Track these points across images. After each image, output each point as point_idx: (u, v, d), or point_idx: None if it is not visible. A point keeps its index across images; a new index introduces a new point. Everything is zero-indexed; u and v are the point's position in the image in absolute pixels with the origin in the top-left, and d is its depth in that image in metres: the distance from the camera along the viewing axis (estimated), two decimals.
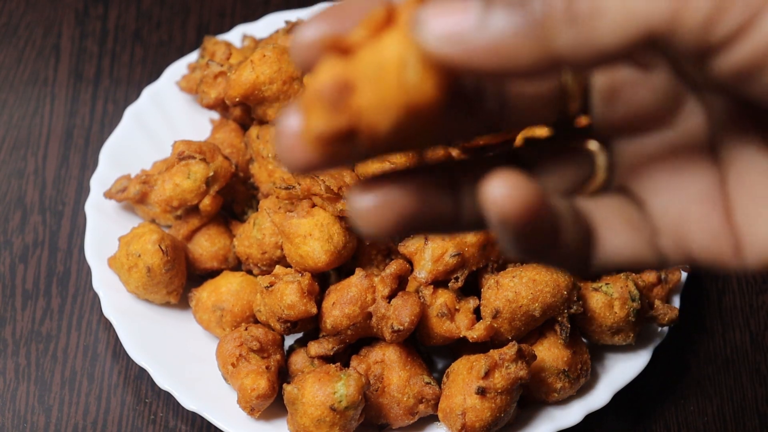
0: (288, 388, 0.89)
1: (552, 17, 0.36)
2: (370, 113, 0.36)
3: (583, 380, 0.96)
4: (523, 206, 0.37)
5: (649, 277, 1.00)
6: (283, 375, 0.95)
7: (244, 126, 1.09)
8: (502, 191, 0.37)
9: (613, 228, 0.43)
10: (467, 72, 0.37)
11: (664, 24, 0.35)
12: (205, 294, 0.99)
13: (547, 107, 0.44)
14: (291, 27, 1.08)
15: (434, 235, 0.40)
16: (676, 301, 1.02)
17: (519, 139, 0.45)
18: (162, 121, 1.12)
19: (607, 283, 0.98)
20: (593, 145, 0.44)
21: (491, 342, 0.94)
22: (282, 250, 0.98)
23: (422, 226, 0.41)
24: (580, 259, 0.42)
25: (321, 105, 0.36)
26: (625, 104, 0.43)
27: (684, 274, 1.03)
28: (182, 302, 1.01)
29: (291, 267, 0.97)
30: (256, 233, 1.00)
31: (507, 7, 0.36)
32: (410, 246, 0.95)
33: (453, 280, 0.95)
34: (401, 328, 0.90)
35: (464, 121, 0.42)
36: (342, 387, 0.87)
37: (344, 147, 0.37)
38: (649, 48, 0.36)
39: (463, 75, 0.37)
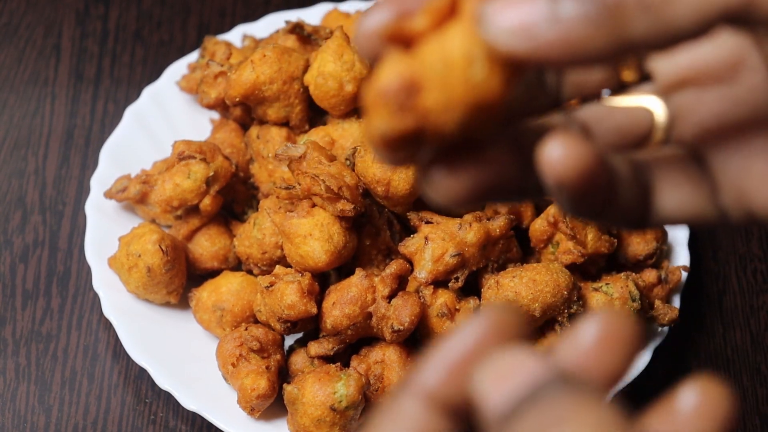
0: (288, 388, 0.90)
1: (624, 4, 0.35)
2: (437, 113, 0.36)
3: None
4: (578, 168, 0.37)
5: (650, 277, 1.00)
6: (283, 375, 0.95)
7: (244, 126, 1.09)
8: (557, 153, 0.37)
9: (672, 184, 0.43)
10: (537, 65, 0.36)
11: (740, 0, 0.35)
12: (206, 294, 0.99)
13: (604, 76, 0.44)
14: (291, 27, 1.08)
15: (504, 203, 0.41)
16: (677, 301, 1.02)
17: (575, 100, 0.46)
18: (162, 121, 1.12)
19: (607, 283, 0.98)
20: (651, 102, 0.44)
21: None
22: (282, 250, 0.98)
23: (494, 195, 0.41)
24: (638, 215, 0.43)
25: (387, 106, 0.36)
26: (685, 60, 0.43)
27: (684, 274, 1.03)
28: (182, 302, 1.01)
29: (291, 267, 0.97)
30: (256, 233, 1.00)
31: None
32: (410, 246, 0.95)
33: (453, 280, 0.95)
34: (401, 328, 0.90)
35: (526, 104, 0.42)
36: (342, 387, 0.87)
37: (410, 146, 0.37)
38: (725, 23, 0.36)
39: (531, 68, 0.36)
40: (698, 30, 0.35)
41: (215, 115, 1.12)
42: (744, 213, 0.43)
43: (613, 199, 0.41)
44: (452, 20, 0.37)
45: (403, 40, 0.37)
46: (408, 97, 0.35)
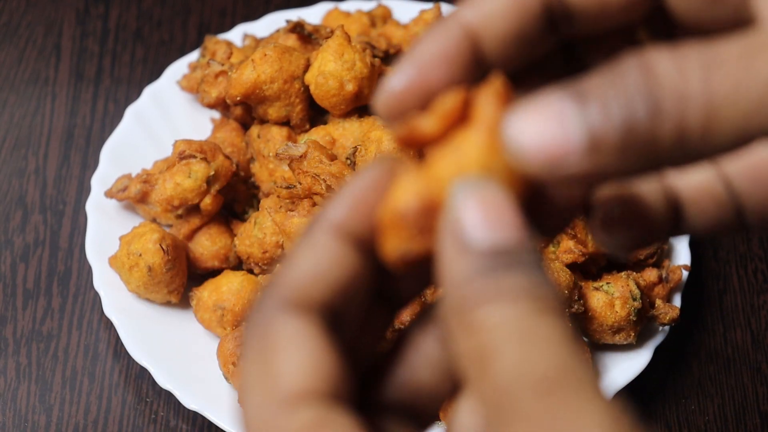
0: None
1: (660, 137, 0.35)
2: None
3: None
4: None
5: (650, 276, 1.00)
6: None
7: (245, 125, 1.10)
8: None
9: (700, 206, 0.46)
10: (561, 181, 0.36)
11: None
12: (206, 293, 0.99)
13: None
14: (292, 26, 1.08)
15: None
16: (677, 301, 1.02)
17: None
18: (163, 121, 1.12)
19: (608, 282, 0.98)
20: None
21: None
22: (283, 249, 0.99)
23: (650, 241, 0.46)
24: (667, 235, 0.46)
25: (405, 229, 0.36)
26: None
27: (685, 274, 1.03)
28: (183, 301, 1.01)
29: None
30: (257, 232, 1.00)
31: (604, 108, 0.35)
32: None
33: None
34: (402, 327, 0.90)
35: (531, 53, 0.44)
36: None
37: (426, 263, 0.37)
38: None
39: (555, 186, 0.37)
40: (735, 148, 0.35)
41: (216, 115, 1.12)
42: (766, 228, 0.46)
43: (649, 235, 0.45)
44: (465, 126, 0.37)
45: (415, 143, 0.37)
46: (426, 220, 0.36)
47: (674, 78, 0.34)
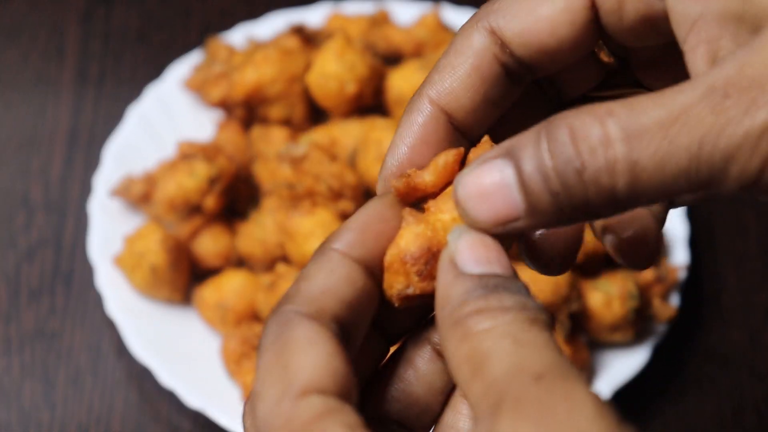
0: None
1: (595, 203, 0.38)
2: None
3: None
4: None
5: (648, 275, 1.01)
6: None
7: (246, 126, 1.10)
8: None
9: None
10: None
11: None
12: (209, 292, 1.00)
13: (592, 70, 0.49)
14: (294, 29, 1.09)
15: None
16: (675, 299, 1.03)
17: None
18: (165, 121, 1.13)
19: (606, 282, 0.98)
20: None
21: None
22: (284, 248, 0.99)
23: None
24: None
25: (408, 273, 0.43)
26: None
27: (683, 273, 1.04)
28: (186, 300, 1.02)
29: (293, 265, 0.97)
30: (258, 232, 1.01)
31: (541, 182, 0.38)
32: None
33: None
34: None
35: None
36: None
37: (424, 302, 0.43)
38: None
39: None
40: (663, 200, 0.39)
41: (218, 115, 1.13)
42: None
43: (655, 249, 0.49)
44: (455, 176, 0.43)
45: (413, 195, 0.44)
46: (427, 264, 0.42)
47: (600, 146, 0.37)
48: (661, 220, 0.51)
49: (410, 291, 0.43)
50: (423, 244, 0.42)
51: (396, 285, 0.43)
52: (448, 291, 0.39)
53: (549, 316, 0.38)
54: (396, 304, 0.44)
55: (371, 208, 0.44)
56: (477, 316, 0.38)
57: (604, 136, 0.37)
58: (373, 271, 0.43)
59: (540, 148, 0.38)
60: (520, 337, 0.36)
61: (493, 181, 0.39)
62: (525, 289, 0.39)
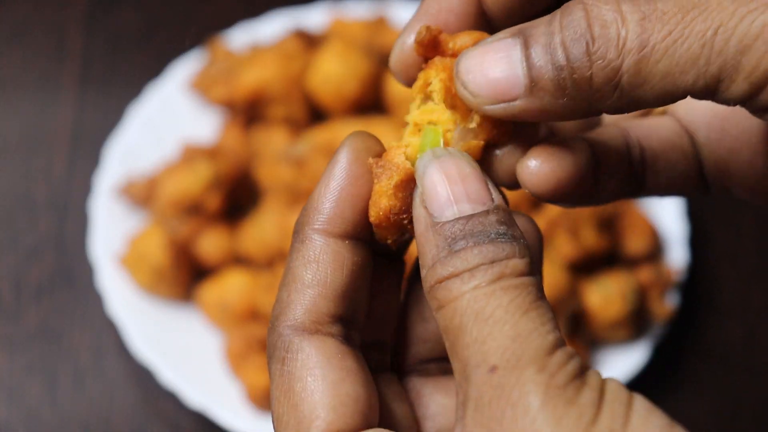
0: None
1: (598, 84, 0.37)
2: None
3: None
4: (550, 182, 0.43)
5: (647, 274, 1.02)
6: None
7: (248, 126, 1.10)
8: (530, 170, 0.42)
9: (668, 159, 0.47)
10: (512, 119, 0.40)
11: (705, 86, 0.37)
12: (210, 291, 1.00)
13: None
14: (295, 33, 1.09)
15: (576, 204, 0.45)
16: (673, 299, 1.03)
17: None
18: (167, 121, 1.13)
19: (605, 281, 0.99)
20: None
21: None
22: (284, 248, 1.00)
23: (572, 192, 0.44)
24: (626, 193, 0.47)
25: (397, 223, 0.42)
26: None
27: (681, 272, 1.04)
28: (188, 299, 1.03)
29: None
30: (259, 231, 1.01)
31: (545, 48, 0.38)
32: None
33: None
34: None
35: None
36: None
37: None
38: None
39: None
40: (661, 104, 0.38)
41: (219, 114, 1.13)
42: (722, 190, 0.48)
43: (594, 190, 0.45)
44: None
45: (431, 52, 0.41)
46: (411, 209, 0.42)
47: (613, 23, 0.37)
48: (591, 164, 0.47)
49: (405, 237, 0.43)
50: (400, 192, 0.41)
51: (390, 237, 0.42)
52: (422, 247, 0.39)
53: (522, 250, 0.37)
54: (394, 248, 0.44)
55: (338, 171, 0.42)
56: (446, 283, 0.37)
57: (620, 14, 0.37)
58: (359, 234, 0.42)
59: (551, 24, 0.38)
60: (482, 310, 0.36)
61: (497, 55, 0.38)
62: (497, 221, 0.38)
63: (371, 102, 1.07)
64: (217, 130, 1.11)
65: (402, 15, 1.19)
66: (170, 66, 1.18)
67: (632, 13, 0.37)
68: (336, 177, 0.42)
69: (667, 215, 1.07)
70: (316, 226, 0.41)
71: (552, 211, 0.99)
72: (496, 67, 0.38)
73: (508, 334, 0.35)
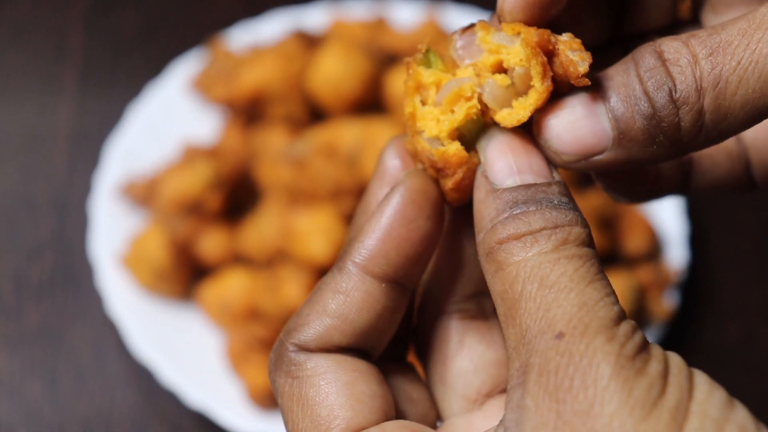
0: None
1: (687, 128, 0.37)
2: None
3: None
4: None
5: (647, 273, 1.02)
6: None
7: (248, 126, 1.11)
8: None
9: (713, 158, 0.48)
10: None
11: None
12: (210, 290, 1.01)
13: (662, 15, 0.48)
14: (296, 33, 1.10)
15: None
16: (673, 298, 1.03)
17: None
18: (167, 121, 1.13)
19: None
20: None
21: None
22: (284, 247, 1.00)
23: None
24: (675, 191, 0.48)
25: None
26: None
27: (680, 271, 1.04)
28: (188, 299, 1.03)
29: (293, 265, 0.98)
30: (259, 231, 1.02)
31: (627, 99, 0.38)
32: None
33: None
34: None
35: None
36: None
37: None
38: None
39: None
40: (749, 125, 0.38)
41: (220, 115, 1.13)
42: None
43: (654, 185, 0.47)
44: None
45: (545, 50, 0.40)
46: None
47: (687, 65, 0.37)
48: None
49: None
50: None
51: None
52: (480, 212, 0.39)
53: (583, 221, 0.37)
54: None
55: (392, 209, 0.41)
56: (506, 245, 0.37)
57: (691, 54, 0.37)
58: (399, 279, 0.41)
59: (629, 75, 0.38)
60: (547, 277, 0.36)
61: (580, 111, 0.38)
62: (559, 192, 0.38)
63: (371, 102, 1.07)
64: (217, 130, 1.12)
65: (402, 15, 1.19)
66: (170, 66, 1.18)
67: (702, 48, 0.37)
68: (387, 216, 0.41)
69: (667, 215, 1.07)
70: (357, 260, 0.41)
71: None
72: (580, 124, 0.39)
73: (575, 302, 0.35)
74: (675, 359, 0.36)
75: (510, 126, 0.40)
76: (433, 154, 0.41)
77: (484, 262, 0.38)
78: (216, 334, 1.01)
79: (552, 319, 0.35)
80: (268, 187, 1.05)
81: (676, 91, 0.37)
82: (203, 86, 1.11)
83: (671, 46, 0.37)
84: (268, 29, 1.18)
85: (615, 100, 0.38)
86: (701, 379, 0.37)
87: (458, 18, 1.17)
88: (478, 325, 0.44)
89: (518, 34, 0.40)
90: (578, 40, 0.40)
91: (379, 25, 1.16)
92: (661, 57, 0.37)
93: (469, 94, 0.41)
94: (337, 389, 0.39)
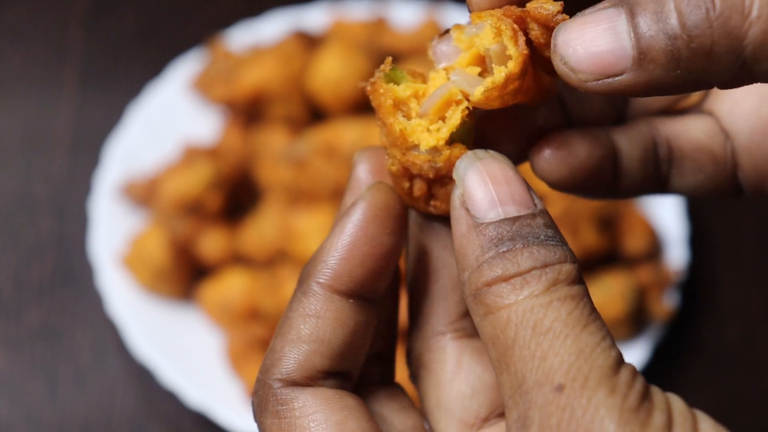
0: None
1: (715, 46, 0.34)
2: None
3: None
4: (562, 173, 0.43)
5: (647, 274, 1.02)
6: None
7: (248, 126, 1.11)
8: (543, 162, 0.42)
9: (698, 160, 0.45)
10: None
11: None
12: (211, 290, 1.01)
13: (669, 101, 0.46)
14: (296, 33, 1.10)
15: (595, 197, 0.44)
16: (673, 298, 1.03)
17: None
18: (167, 120, 1.13)
19: (606, 281, 0.99)
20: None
21: None
22: (284, 247, 1.00)
23: (589, 182, 0.43)
24: (649, 190, 0.46)
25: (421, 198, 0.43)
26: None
27: (681, 272, 1.04)
28: (188, 299, 1.03)
29: (293, 265, 0.98)
30: (259, 230, 1.02)
31: (655, 16, 0.34)
32: None
33: None
34: None
35: (599, 117, 0.46)
36: None
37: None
38: None
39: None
40: None
41: (220, 115, 1.13)
42: (759, 194, 0.47)
43: (614, 184, 0.44)
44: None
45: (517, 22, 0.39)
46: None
47: None
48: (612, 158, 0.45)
49: (433, 210, 0.42)
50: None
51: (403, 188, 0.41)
52: (464, 248, 0.37)
53: (571, 256, 0.35)
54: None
55: (352, 227, 0.40)
56: (495, 288, 0.35)
57: None
58: (366, 294, 0.40)
59: None
60: (540, 323, 0.34)
61: (600, 26, 0.35)
62: (544, 224, 0.36)
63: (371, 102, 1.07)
64: (217, 130, 1.12)
65: (402, 15, 1.19)
66: (170, 66, 1.18)
67: None
68: (348, 233, 0.40)
69: (667, 215, 1.07)
70: (321, 280, 0.40)
71: (552, 210, 0.99)
72: (599, 40, 0.35)
73: (572, 350, 0.34)
74: (677, 404, 0.35)
75: (486, 95, 0.39)
76: (438, 161, 0.40)
77: (472, 304, 0.36)
78: (216, 334, 1.01)
79: (549, 370, 0.34)
80: (268, 187, 1.05)
81: (715, 10, 0.33)
82: (203, 86, 1.11)
83: None
84: (268, 29, 1.18)
85: (640, 16, 0.35)
86: (706, 425, 0.36)
87: (458, 18, 1.17)
88: (474, 344, 0.43)
89: (485, 19, 0.39)
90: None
91: (379, 25, 1.16)
92: None
93: (459, 98, 0.40)
94: (328, 430, 0.38)
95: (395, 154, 0.42)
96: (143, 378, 1.02)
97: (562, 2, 0.38)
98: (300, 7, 1.22)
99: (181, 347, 0.99)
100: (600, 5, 0.36)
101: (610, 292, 0.98)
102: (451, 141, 0.41)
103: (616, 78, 0.35)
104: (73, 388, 1.02)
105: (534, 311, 0.34)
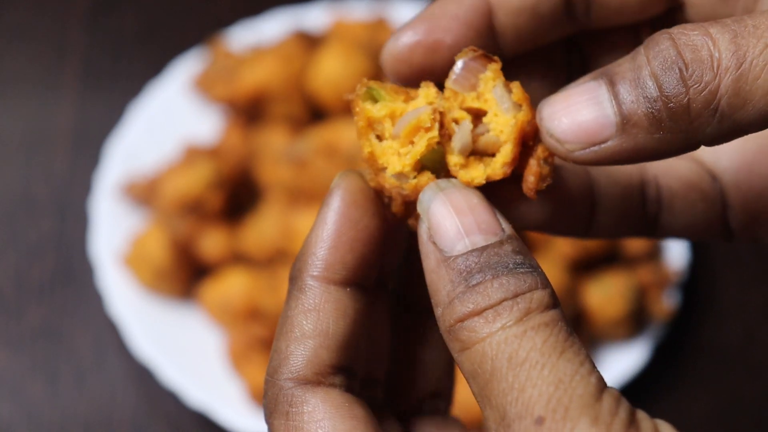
0: None
1: (696, 111, 0.35)
2: None
3: None
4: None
5: (647, 273, 1.02)
6: None
7: (248, 126, 1.11)
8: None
9: (687, 200, 0.45)
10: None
11: None
12: (211, 289, 1.01)
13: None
14: (296, 33, 1.10)
15: (570, 237, 0.44)
16: (673, 298, 1.03)
17: None
18: (168, 120, 1.13)
19: (605, 280, 0.99)
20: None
21: None
22: (284, 247, 1.00)
23: (564, 225, 0.44)
24: (641, 229, 0.45)
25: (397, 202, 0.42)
26: None
27: (681, 272, 1.04)
28: (189, 299, 1.03)
29: (292, 262, 0.98)
30: (259, 230, 1.02)
31: (634, 84, 0.35)
32: None
33: None
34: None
35: (550, 30, 0.44)
36: None
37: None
38: None
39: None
40: (763, 126, 0.36)
41: (220, 114, 1.14)
42: (750, 237, 0.46)
43: (588, 225, 0.43)
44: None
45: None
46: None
47: (703, 45, 0.35)
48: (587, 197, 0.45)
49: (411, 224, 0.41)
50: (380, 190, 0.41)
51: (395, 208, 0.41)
52: (435, 284, 0.37)
53: (542, 280, 0.35)
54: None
55: (333, 215, 0.40)
56: (468, 323, 0.35)
57: (709, 37, 0.34)
58: (360, 280, 0.40)
59: (636, 59, 0.35)
60: (516, 354, 0.34)
61: (582, 98, 0.36)
62: (512, 250, 0.36)
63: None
64: (217, 130, 1.12)
65: (402, 15, 1.19)
66: (170, 66, 1.18)
67: (722, 33, 0.35)
68: (332, 221, 0.40)
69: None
70: (315, 273, 0.39)
71: None
72: (583, 110, 0.36)
73: (550, 380, 0.33)
74: (666, 431, 0.34)
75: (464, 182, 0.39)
76: (405, 188, 0.40)
77: (448, 340, 0.36)
78: (216, 334, 1.01)
79: (528, 401, 0.33)
80: (268, 186, 1.05)
81: (687, 70, 0.35)
82: (204, 86, 1.11)
83: (686, 29, 0.35)
84: (268, 29, 1.18)
85: (620, 84, 0.36)
86: None
87: None
88: (447, 424, 0.44)
89: (520, 106, 0.39)
90: (554, 155, 0.39)
91: (379, 25, 1.16)
92: (673, 39, 0.35)
93: (428, 125, 0.40)
94: None
95: (370, 173, 0.42)
96: (144, 378, 1.02)
97: (549, 183, 0.39)
98: (300, 6, 1.22)
99: (182, 347, 0.99)
100: (580, 80, 0.37)
101: (610, 292, 0.98)
102: (421, 167, 0.40)
103: (602, 145, 0.36)
104: (73, 388, 1.02)
105: (508, 343, 0.34)
